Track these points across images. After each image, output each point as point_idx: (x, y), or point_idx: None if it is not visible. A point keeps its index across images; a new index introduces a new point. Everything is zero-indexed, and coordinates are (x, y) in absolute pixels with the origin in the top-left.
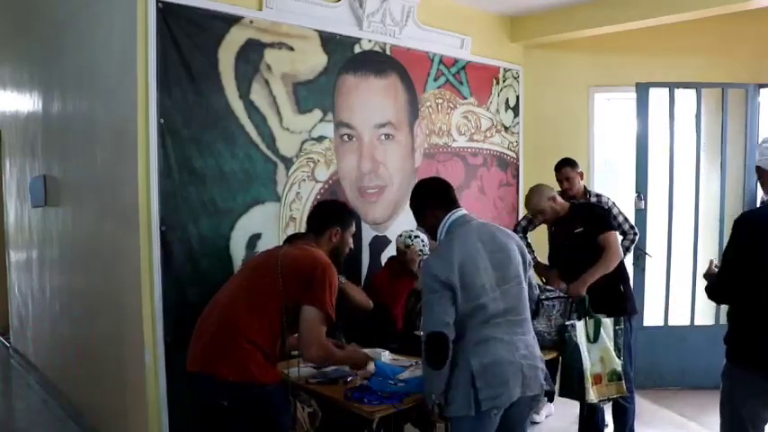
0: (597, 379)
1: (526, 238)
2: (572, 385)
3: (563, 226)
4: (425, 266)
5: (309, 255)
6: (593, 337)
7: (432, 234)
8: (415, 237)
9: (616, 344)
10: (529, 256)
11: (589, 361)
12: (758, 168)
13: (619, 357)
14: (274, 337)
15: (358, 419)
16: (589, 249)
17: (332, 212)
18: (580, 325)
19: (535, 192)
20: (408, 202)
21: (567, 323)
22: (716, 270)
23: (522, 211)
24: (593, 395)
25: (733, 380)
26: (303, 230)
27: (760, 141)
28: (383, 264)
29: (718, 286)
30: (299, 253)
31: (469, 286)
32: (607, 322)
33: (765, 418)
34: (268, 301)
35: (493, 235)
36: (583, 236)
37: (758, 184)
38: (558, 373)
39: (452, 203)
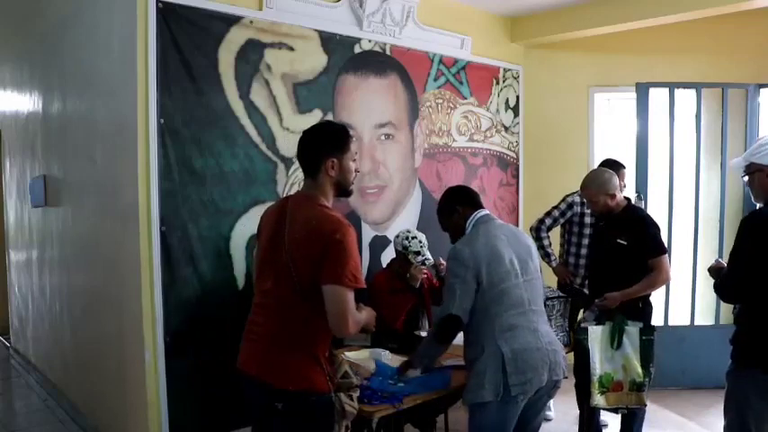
0: (617, 386)
1: (549, 238)
2: (581, 383)
3: (608, 227)
4: (453, 252)
5: (314, 223)
6: (616, 344)
7: (456, 236)
8: (413, 237)
9: (643, 354)
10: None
11: (607, 366)
12: (750, 165)
13: (646, 368)
14: (322, 337)
15: (358, 419)
16: (624, 265)
17: (319, 141)
18: (596, 329)
19: (595, 179)
20: (408, 202)
21: (582, 325)
22: (722, 265)
23: (522, 211)
24: (599, 401)
25: (738, 381)
26: None
27: (765, 140)
28: (383, 265)
29: (728, 286)
30: (304, 222)
31: (495, 271)
32: (631, 330)
33: None
34: (300, 301)
35: (514, 231)
36: (624, 250)
37: (748, 183)
38: (574, 354)
39: (479, 205)
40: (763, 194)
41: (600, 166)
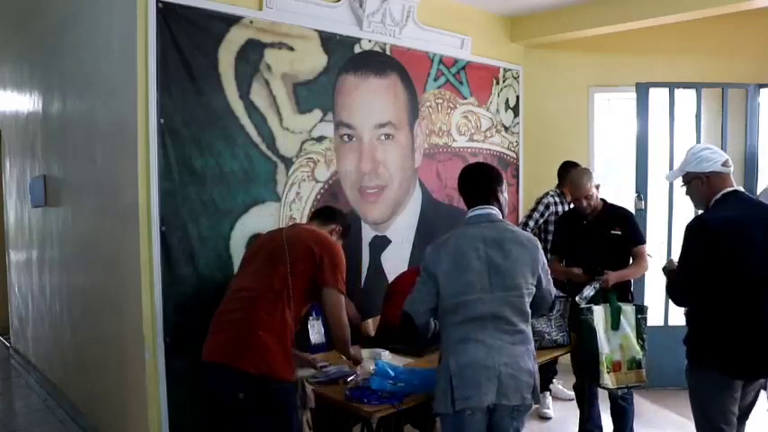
0: (616, 366)
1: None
2: (586, 368)
3: (595, 223)
4: (424, 255)
5: (317, 233)
6: (614, 325)
7: None
8: None
9: (638, 332)
10: (544, 266)
11: (607, 347)
12: (687, 175)
13: (641, 347)
14: (291, 329)
15: (358, 419)
16: (620, 253)
17: (339, 214)
18: (599, 309)
19: (585, 173)
20: (408, 202)
21: (584, 306)
22: (675, 266)
23: (522, 211)
24: (608, 380)
25: (697, 379)
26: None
27: (696, 149)
28: (383, 265)
29: (679, 288)
30: (306, 233)
31: (453, 282)
32: (628, 310)
33: (735, 411)
34: (282, 291)
35: (501, 240)
36: (619, 240)
37: (687, 193)
38: (570, 356)
39: (478, 199)
40: (704, 201)
41: (565, 168)
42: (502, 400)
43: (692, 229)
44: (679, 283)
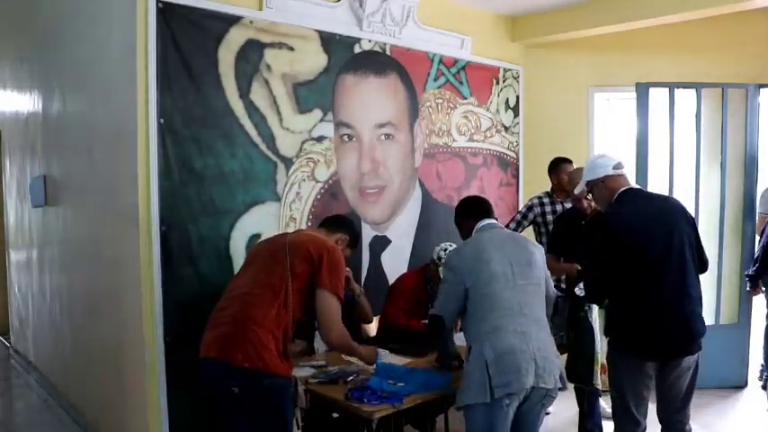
0: (602, 369)
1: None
2: (580, 368)
3: (594, 223)
4: (445, 260)
5: (319, 238)
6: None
7: None
8: (445, 250)
9: None
10: (547, 271)
11: (600, 347)
12: (588, 183)
13: None
14: (286, 328)
15: (355, 418)
16: None
17: (347, 223)
18: (595, 309)
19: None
20: (408, 202)
21: (585, 305)
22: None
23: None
24: (599, 381)
25: (615, 363)
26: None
27: (590, 159)
28: (383, 265)
29: (596, 288)
30: (308, 237)
31: (478, 275)
32: None
33: (647, 397)
34: (280, 291)
35: (513, 236)
36: None
37: (594, 199)
38: (566, 356)
39: (481, 215)
40: (605, 203)
41: (557, 164)
42: (539, 382)
43: (603, 228)
44: (591, 280)
